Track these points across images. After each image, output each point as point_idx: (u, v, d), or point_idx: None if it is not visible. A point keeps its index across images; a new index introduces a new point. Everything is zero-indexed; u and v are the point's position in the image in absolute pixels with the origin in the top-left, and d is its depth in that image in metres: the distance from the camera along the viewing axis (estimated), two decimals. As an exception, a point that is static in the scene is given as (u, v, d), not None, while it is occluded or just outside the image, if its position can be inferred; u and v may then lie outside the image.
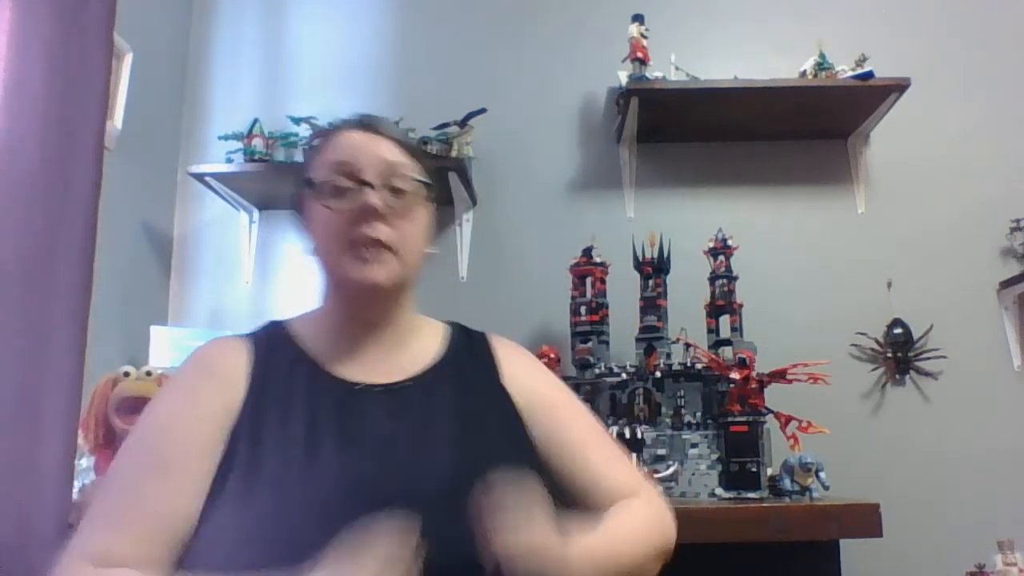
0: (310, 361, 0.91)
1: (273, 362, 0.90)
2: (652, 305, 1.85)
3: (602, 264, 1.91)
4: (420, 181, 0.92)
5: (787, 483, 1.58)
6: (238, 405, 0.84)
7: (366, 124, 0.94)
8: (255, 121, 2.16)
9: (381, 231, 0.87)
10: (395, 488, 0.77)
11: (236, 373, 0.87)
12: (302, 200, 0.94)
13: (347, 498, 0.75)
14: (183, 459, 0.79)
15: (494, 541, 0.70)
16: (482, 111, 2.11)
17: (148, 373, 1.56)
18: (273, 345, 0.92)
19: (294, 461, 0.79)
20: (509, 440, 0.90)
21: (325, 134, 0.96)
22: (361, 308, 0.93)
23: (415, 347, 0.96)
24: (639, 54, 2.05)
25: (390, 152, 0.92)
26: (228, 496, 0.77)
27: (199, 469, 0.79)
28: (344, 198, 0.88)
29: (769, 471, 1.64)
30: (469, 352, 0.99)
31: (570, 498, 0.89)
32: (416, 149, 0.97)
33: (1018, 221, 2.14)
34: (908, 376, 2.11)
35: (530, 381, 0.98)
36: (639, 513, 0.90)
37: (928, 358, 2.10)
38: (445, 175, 2.02)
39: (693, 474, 1.64)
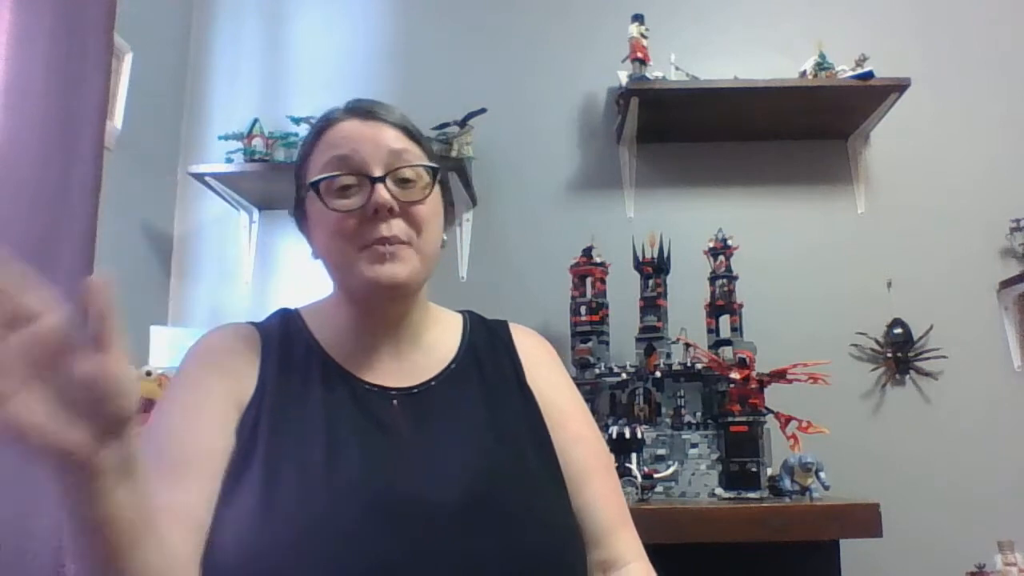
0: (325, 355, 0.86)
1: (286, 353, 0.85)
2: (652, 305, 1.84)
3: (602, 264, 1.91)
4: (428, 167, 0.86)
5: (787, 483, 1.58)
6: (247, 398, 0.79)
7: (362, 111, 0.86)
8: (255, 121, 2.16)
9: (396, 227, 0.81)
10: (420, 502, 0.73)
11: (245, 364, 0.82)
12: (302, 203, 0.88)
13: (369, 512, 0.72)
14: (196, 462, 0.74)
15: None
16: (482, 111, 2.10)
17: (148, 373, 1.56)
18: (285, 335, 0.87)
19: (313, 469, 0.75)
20: (538, 448, 0.85)
21: (319, 128, 0.87)
22: (380, 308, 0.87)
23: (431, 343, 0.91)
24: (639, 54, 2.05)
25: (394, 139, 0.85)
26: (241, 503, 0.72)
27: (212, 471, 0.74)
28: (350, 197, 0.82)
29: (769, 471, 1.63)
30: (490, 347, 0.93)
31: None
32: (417, 131, 0.90)
33: (1018, 221, 2.14)
34: (908, 376, 2.11)
35: (549, 386, 0.92)
36: None
37: (928, 358, 2.10)
38: (445, 175, 2.01)
39: (693, 474, 1.64)
